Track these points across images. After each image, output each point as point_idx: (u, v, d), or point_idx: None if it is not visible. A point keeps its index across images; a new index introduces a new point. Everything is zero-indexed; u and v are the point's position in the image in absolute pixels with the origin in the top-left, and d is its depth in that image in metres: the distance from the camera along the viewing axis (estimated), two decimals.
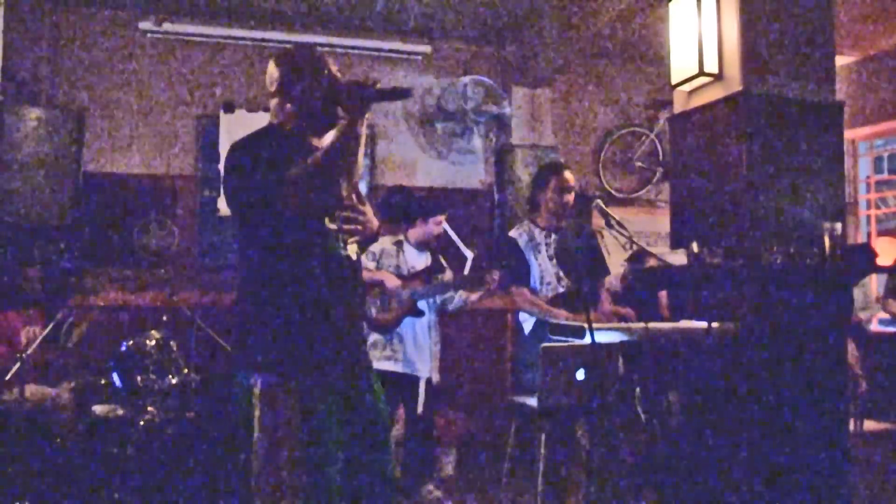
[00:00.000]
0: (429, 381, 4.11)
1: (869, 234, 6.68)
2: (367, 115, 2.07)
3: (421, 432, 4.15)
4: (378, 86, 2.06)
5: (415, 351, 4.03)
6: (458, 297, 4.22)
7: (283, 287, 2.18)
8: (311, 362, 2.17)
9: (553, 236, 3.78)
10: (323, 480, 2.13)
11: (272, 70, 2.33)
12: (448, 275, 4.15)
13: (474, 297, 4.23)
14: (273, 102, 2.34)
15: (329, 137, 2.11)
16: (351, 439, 2.22)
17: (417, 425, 4.13)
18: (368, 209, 2.35)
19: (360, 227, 2.30)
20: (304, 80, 2.27)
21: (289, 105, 2.30)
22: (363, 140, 2.08)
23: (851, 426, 4.13)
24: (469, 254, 4.38)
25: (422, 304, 4.05)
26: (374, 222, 2.36)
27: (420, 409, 4.02)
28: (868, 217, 6.78)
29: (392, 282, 3.97)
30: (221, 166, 2.21)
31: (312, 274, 2.19)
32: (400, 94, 2.18)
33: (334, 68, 2.30)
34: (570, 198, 3.80)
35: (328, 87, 2.24)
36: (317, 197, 2.07)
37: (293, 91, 2.28)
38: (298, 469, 2.12)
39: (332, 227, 2.24)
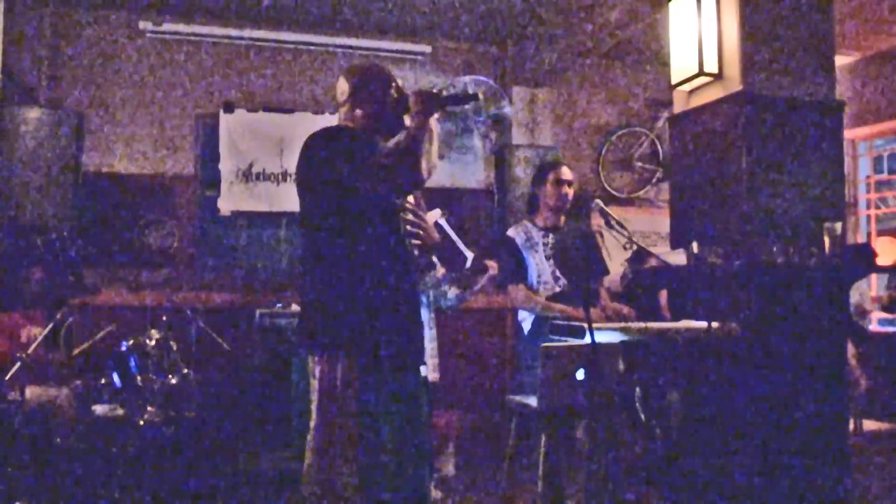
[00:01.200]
0: (426, 380, 4.10)
1: (869, 234, 6.68)
2: (433, 119, 2.32)
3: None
4: (444, 93, 2.34)
5: None
6: (452, 294, 4.19)
7: (353, 271, 2.30)
8: (370, 347, 2.27)
9: (551, 236, 3.78)
10: (374, 462, 2.29)
11: (342, 83, 2.53)
12: (440, 271, 4.14)
13: (469, 293, 4.20)
14: (342, 110, 2.53)
15: (402, 134, 2.38)
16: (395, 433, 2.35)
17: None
18: (429, 218, 2.57)
19: (420, 233, 2.55)
20: (373, 91, 2.48)
21: (358, 111, 2.49)
22: (434, 141, 2.33)
23: (851, 426, 4.13)
24: (469, 253, 4.37)
25: None
26: (434, 234, 2.60)
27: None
28: (868, 217, 6.78)
29: None
30: (299, 155, 2.39)
31: (382, 262, 2.32)
32: (466, 98, 2.50)
33: (400, 81, 2.54)
34: (570, 191, 3.79)
35: (396, 95, 2.48)
36: (402, 174, 2.24)
37: (363, 100, 2.48)
38: (352, 450, 2.24)
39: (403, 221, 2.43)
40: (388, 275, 2.31)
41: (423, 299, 4.11)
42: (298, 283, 2.45)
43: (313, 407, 2.28)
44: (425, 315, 4.12)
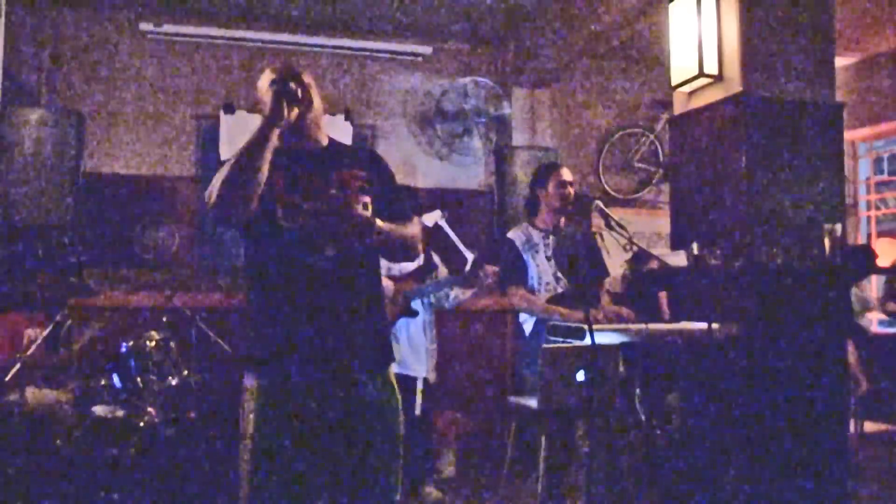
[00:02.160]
0: (426, 381, 4.10)
1: (869, 235, 6.68)
2: (277, 115, 2.06)
3: (419, 433, 4.15)
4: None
5: (410, 351, 4.03)
6: (452, 296, 4.20)
7: (258, 290, 2.21)
8: (282, 364, 2.15)
9: (551, 237, 3.78)
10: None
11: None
12: (442, 273, 4.14)
13: (468, 294, 4.20)
14: None
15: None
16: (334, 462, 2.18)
17: (416, 426, 4.13)
18: (350, 210, 2.17)
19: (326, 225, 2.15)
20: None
21: None
22: (269, 145, 2.07)
23: (851, 427, 4.13)
24: (469, 255, 4.37)
25: (416, 304, 4.04)
26: (356, 219, 2.15)
27: (417, 410, 4.01)
28: (868, 218, 6.79)
29: (383, 282, 3.97)
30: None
31: (278, 277, 2.17)
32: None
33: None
34: (571, 193, 3.79)
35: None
36: (238, 194, 2.06)
37: None
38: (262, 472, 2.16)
39: (288, 226, 2.14)
40: (290, 290, 2.15)
41: (424, 301, 4.12)
42: None
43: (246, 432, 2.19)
44: (424, 317, 4.12)
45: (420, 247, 2.36)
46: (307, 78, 2.20)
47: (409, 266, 4.13)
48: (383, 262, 4.04)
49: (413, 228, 2.30)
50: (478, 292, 4.12)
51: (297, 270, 2.13)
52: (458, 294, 4.20)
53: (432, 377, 4.15)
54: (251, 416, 2.18)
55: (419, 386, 4.04)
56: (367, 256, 2.24)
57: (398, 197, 2.35)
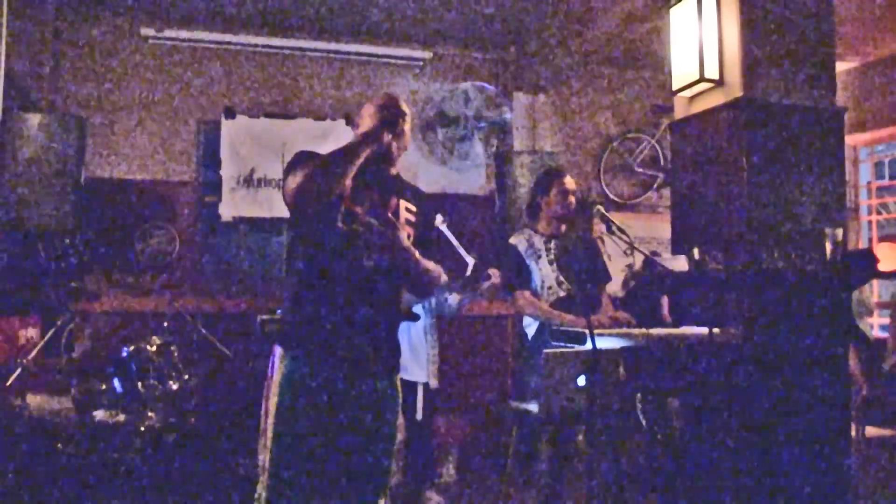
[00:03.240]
0: (427, 386, 4.09)
1: (870, 240, 6.67)
2: (375, 139, 2.35)
3: (421, 438, 4.14)
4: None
5: (411, 356, 4.02)
6: (454, 301, 4.19)
7: (306, 278, 2.40)
8: (327, 348, 2.35)
9: (553, 242, 3.78)
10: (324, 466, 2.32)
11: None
12: (442, 278, 4.14)
13: (466, 300, 4.19)
14: None
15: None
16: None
17: (417, 431, 4.12)
18: (397, 233, 2.42)
19: (375, 239, 2.40)
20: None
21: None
22: (358, 160, 2.30)
23: (853, 432, 4.12)
24: (470, 259, 4.37)
25: (417, 309, 4.03)
26: (401, 243, 2.41)
27: (419, 415, 4.01)
28: (869, 222, 6.78)
29: None
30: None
31: (323, 274, 2.38)
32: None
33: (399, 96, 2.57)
34: (573, 201, 3.79)
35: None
36: (322, 190, 2.25)
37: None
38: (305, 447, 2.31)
39: (345, 230, 2.37)
40: (339, 290, 2.37)
41: (424, 306, 4.11)
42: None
43: (270, 403, 2.36)
44: (425, 322, 4.12)
45: (434, 291, 2.72)
46: (408, 113, 2.51)
47: None
48: None
49: (437, 273, 2.58)
50: (477, 297, 4.11)
51: (341, 269, 2.37)
52: (460, 300, 4.19)
53: (433, 383, 4.14)
54: (278, 384, 2.35)
55: (419, 391, 4.04)
56: (396, 276, 2.47)
57: (434, 244, 2.72)
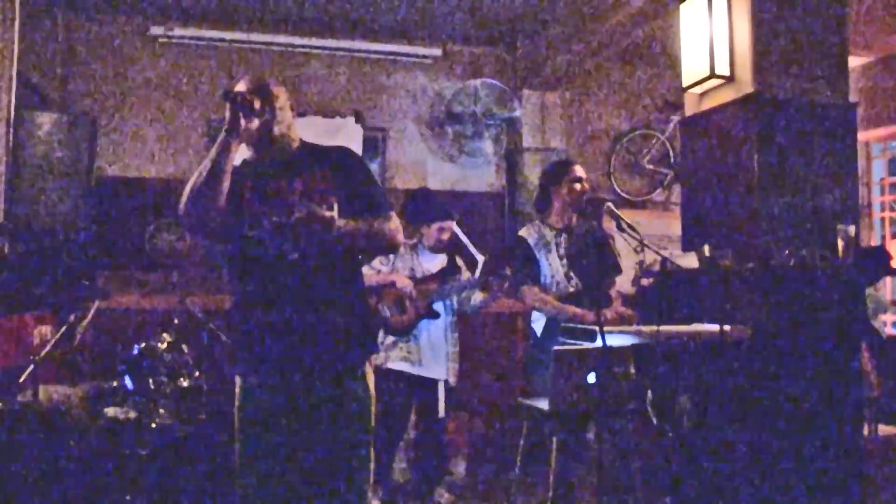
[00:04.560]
0: (447, 383, 4.07)
1: (883, 237, 6.63)
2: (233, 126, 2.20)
3: (433, 435, 4.13)
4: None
5: (430, 353, 4.01)
6: (478, 298, 4.16)
7: (236, 293, 2.34)
8: (260, 364, 2.27)
9: (563, 236, 3.77)
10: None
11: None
12: (465, 276, 4.13)
13: (488, 297, 4.18)
14: None
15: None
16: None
17: (430, 428, 4.12)
18: (313, 213, 2.21)
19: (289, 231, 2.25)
20: None
21: None
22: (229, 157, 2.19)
23: (865, 431, 4.10)
24: (480, 257, 4.37)
25: (438, 307, 4.03)
26: (315, 220, 2.20)
27: (441, 412, 4.00)
28: (882, 219, 6.74)
29: (402, 282, 3.96)
30: None
31: (248, 284, 2.29)
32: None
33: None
34: (585, 188, 3.76)
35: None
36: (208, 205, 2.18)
37: None
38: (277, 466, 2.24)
39: (253, 235, 2.25)
40: (261, 296, 2.26)
41: (445, 303, 4.10)
42: None
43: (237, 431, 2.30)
44: (446, 320, 4.10)
45: (398, 240, 2.41)
46: (274, 88, 2.30)
47: (431, 267, 4.11)
48: (408, 264, 4.04)
49: (386, 224, 2.34)
50: (496, 296, 4.09)
51: (266, 274, 2.25)
52: (480, 298, 4.16)
53: (453, 380, 4.12)
54: (237, 413, 2.30)
55: (441, 389, 4.03)
56: (334, 255, 2.29)
57: (370, 193, 2.39)
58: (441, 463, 4.33)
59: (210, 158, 2.17)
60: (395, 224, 2.37)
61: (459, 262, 4.25)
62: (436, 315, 4.01)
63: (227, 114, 2.18)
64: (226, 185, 2.17)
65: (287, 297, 2.24)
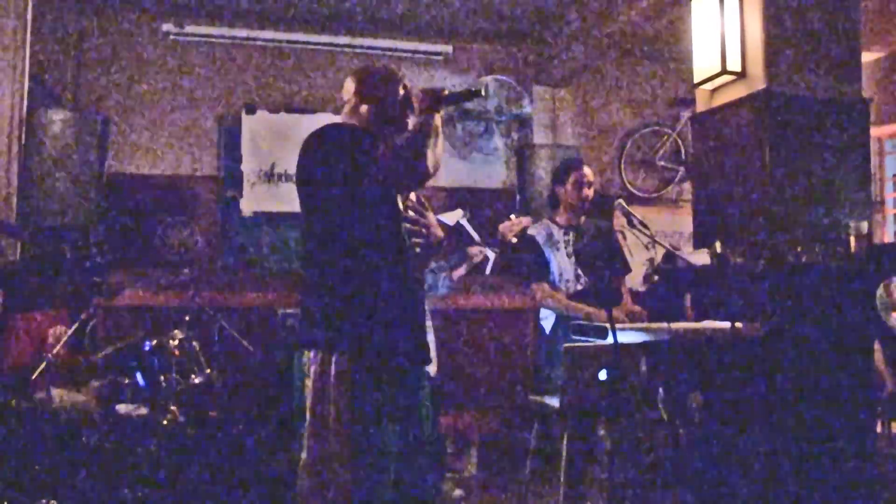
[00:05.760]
0: (429, 376, 3.99)
1: None
2: (439, 116, 2.23)
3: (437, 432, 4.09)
4: (447, 91, 2.26)
5: None
6: (444, 280, 4.09)
7: (352, 271, 2.24)
8: (367, 345, 2.20)
9: (572, 234, 3.76)
10: (370, 485, 2.15)
11: (349, 82, 2.54)
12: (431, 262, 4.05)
13: (458, 273, 4.09)
14: (347, 107, 2.53)
15: (408, 132, 2.30)
16: (404, 449, 2.24)
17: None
18: (432, 217, 2.44)
19: (423, 231, 2.39)
20: (379, 87, 2.46)
21: (364, 108, 2.46)
22: (440, 139, 2.22)
23: (878, 428, 4.08)
24: (491, 253, 4.35)
25: None
26: (438, 231, 2.43)
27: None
28: (895, 216, 6.69)
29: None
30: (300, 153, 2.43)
31: (382, 261, 2.26)
32: (469, 96, 2.37)
33: (406, 80, 2.49)
34: (590, 193, 3.77)
35: (403, 94, 2.43)
36: (406, 170, 2.18)
37: (370, 96, 2.46)
38: (347, 450, 2.14)
39: (404, 225, 2.34)
40: (388, 274, 2.26)
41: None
42: (302, 282, 2.38)
43: (308, 405, 2.22)
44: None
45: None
46: None
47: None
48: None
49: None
50: (468, 268, 4.01)
51: (401, 255, 2.30)
52: (448, 275, 4.07)
53: (433, 370, 4.05)
54: (341, 393, 2.17)
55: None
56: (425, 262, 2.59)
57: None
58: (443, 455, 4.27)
59: (421, 127, 2.22)
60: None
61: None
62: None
63: (428, 102, 2.24)
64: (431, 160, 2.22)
65: (411, 283, 2.34)
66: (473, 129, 6.11)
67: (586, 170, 3.80)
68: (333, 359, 2.18)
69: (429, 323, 4.03)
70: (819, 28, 3.67)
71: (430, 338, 4.01)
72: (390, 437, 2.18)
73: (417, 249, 2.37)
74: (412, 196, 2.48)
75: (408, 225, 2.35)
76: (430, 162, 2.18)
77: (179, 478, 3.67)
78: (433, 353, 3.99)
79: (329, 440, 2.15)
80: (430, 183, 5.93)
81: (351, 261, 2.24)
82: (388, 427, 2.18)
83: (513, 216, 3.87)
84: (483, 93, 2.34)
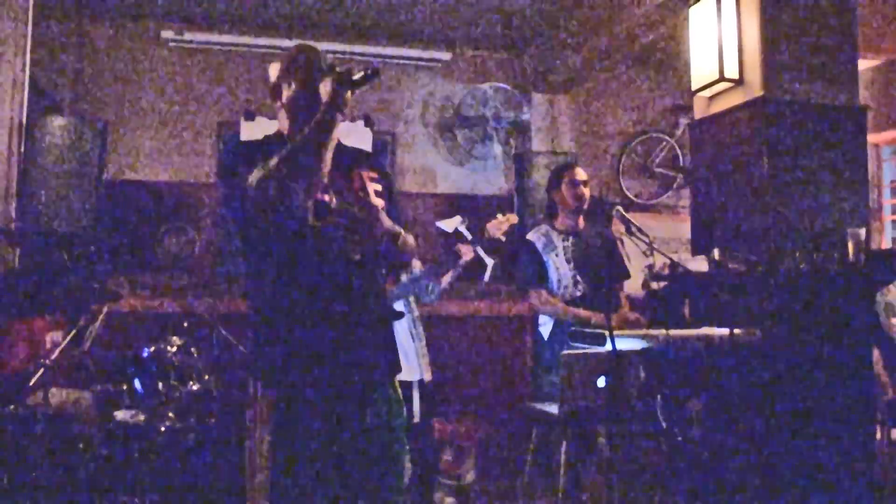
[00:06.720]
0: (422, 383, 3.99)
1: (894, 240, 6.59)
2: (343, 104, 1.95)
3: (420, 436, 4.04)
4: (354, 75, 1.97)
5: (401, 356, 3.93)
6: (433, 287, 4.05)
7: (277, 296, 2.04)
8: (301, 375, 2.01)
9: (571, 239, 3.77)
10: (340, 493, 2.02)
11: (271, 74, 2.22)
12: (415, 266, 4.03)
13: (447, 279, 4.06)
14: (276, 100, 2.21)
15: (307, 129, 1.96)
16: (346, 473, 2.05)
17: (416, 432, 4.04)
18: (377, 207, 2.11)
19: (365, 229, 2.06)
20: (292, 84, 2.12)
21: (282, 110, 2.17)
22: (333, 135, 1.94)
23: (878, 435, 4.07)
24: (489, 260, 4.35)
25: (399, 306, 3.87)
26: (386, 222, 2.10)
27: (416, 416, 3.86)
28: (893, 222, 6.69)
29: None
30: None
31: (301, 281, 2.01)
32: (368, 77, 2.01)
33: (324, 63, 2.13)
34: (585, 192, 3.77)
35: (311, 87, 2.07)
36: (291, 185, 1.88)
37: (282, 96, 2.15)
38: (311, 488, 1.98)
39: (320, 226, 2.00)
40: (297, 295, 2.00)
41: (405, 301, 3.97)
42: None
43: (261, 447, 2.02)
44: (409, 318, 3.99)
45: (414, 256, 2.33)
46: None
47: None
48: None
49: (409, 237, 2.20)
50: (459, 272, 3.96)
51: (321, 274, 2.00)
52: (437, 282, 4.02)
53: (428, 376, 4.02)
54: (266, 427, 2.02)
55: (415, 391, 3.91)
56: (381, 264, 2.15)
57: (396, 205, 2.25)
58: (434, 465, 4.24)
59: (315, 127, 1.92)
60: (412, 240, 2.23)
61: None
62: (399, 316, 3.93)
63: (330, 83, 1.97)
64: (328, 165, 1.92)
65: (339, 303, 2.01)
66: (472, 136, 6.12)
67: (578, 169, 3.82)
68: (258, 387, 2.05)
69: (417, 331, 4.01)
70: (816, 35, 3.68)
71: (422, 345, 3.99)
72: (308, 471, 1.99)
73: (357, 256, 2.05)
74: (364, 179, 2.15)
75: (339, 230, 2.03)
76: (325, 163, 1.90)
77: (177, 485, 3.66)
78: (422, 362, 3.97)
79: (257, 468, 2.03)
80: (429, 189, 5.97)
81: (254, 284, 2.07)
82: (304, 460, 1.99)
83: (499, 215, 3.86)
84: (377, 76, 2.03)
